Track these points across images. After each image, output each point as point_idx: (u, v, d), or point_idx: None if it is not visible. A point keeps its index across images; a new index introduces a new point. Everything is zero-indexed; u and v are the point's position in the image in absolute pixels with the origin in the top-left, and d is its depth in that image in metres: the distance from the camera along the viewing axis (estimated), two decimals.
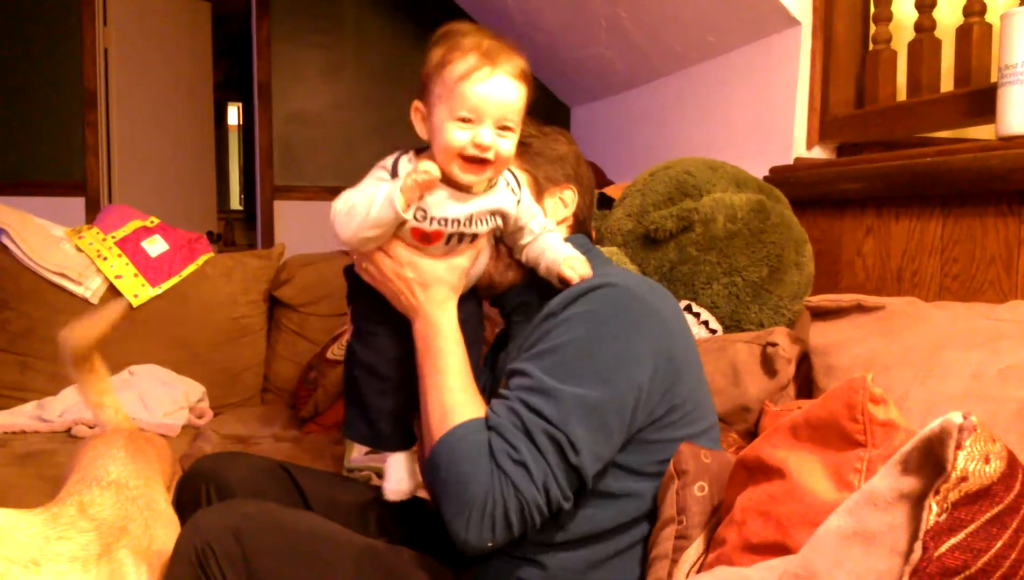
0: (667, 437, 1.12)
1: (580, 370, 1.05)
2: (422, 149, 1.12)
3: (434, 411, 1.10)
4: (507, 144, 1.07)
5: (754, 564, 0.88)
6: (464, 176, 1.07)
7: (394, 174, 1.09)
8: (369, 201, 1.05)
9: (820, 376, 1.46)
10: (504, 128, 1.06)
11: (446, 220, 1.09)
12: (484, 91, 1.03)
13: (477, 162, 1.06)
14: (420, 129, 1.11)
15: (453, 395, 1.10)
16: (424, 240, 1.11)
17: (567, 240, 1.25)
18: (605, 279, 1.11)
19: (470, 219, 1.10)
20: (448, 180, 1.07)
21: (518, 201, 1.14)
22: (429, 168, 1.05)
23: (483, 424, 1.07)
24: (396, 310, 1.16)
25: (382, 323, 1.18)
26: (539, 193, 1.24)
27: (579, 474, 1.04)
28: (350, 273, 1.22)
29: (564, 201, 1.26)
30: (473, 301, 1.22)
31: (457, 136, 1.05)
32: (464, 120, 1.04)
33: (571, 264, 1.14)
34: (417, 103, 1.11)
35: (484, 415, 1.09)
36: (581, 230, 1.31)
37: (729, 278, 1.76)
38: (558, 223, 1.26)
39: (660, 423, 1.11)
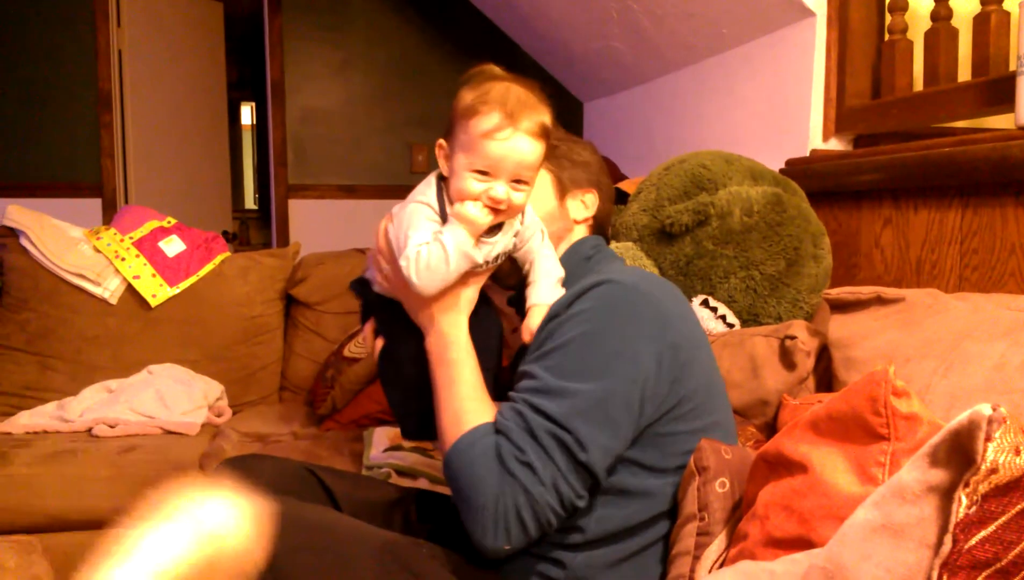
0: (679, 430, 1.12)
1: (583, 366, 1.06)
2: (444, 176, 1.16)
3: (447, 420, 1.12)
4: (520, 196, 1.11)
5: (778, 558, 0.87)
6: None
7: (442, 215, 1.13)
8: (443, 259, 1.09)
9: (840, 369, 1.45)
10: (519, 181, 1.10)
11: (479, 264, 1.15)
12: (503, 150, 1.07)
13: (488, 209, 1.10)
14: (442, 166, 1.15)
15: (464, 404, 1.11)
16: None
17: (583, 240, 1.31)
18: (607, 276, 1.13)
19: (496, 258, 1.16)
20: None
21: (517, 231, 1.18)
22: (480, 217, 1.09)
23: (492, 429, 1.08)
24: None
25: (406, 327, 1.20)
26: (562, 193, 1.30)
27: (589, 471, 1.04)
28: (360, 290, 1.26)
29: (585, 203, 1.32)
30: (486, 305, 1.23)
31: (473, 186, 1.09)
32: (481, 172, 1.08)
33: (530, 323, 1.17)
34: (442, 141, 1.15)
35: (494, 420, 1.10)
36: (599, 232, 1.36)
37: (746, 272, 1.75)
38: (579, 223, 1.32)
39: (670, 415, 1.11)
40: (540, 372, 1.08)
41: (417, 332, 1.19)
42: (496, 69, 1.13)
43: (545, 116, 1.11)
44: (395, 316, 1.21)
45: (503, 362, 1.29)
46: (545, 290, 1.19)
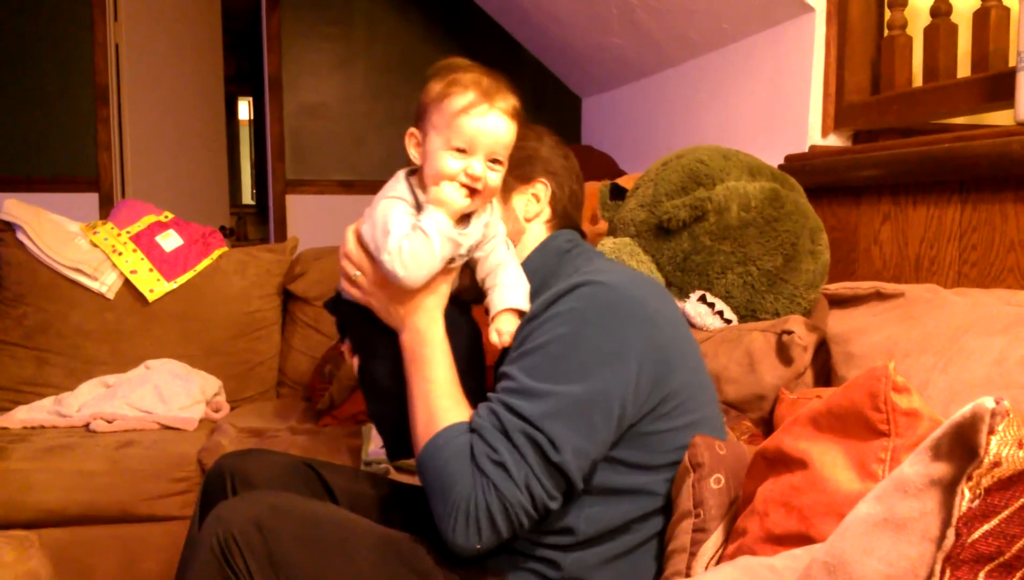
0: (663, 428, 1.12)
1: (562, 368, 1.05)
2: (412, 171, 1.17)
3: (420, 418, 1.12)
4: (495, 176, 1.12)
5: (777, 554, 0.87)
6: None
7: (416, 206, 1.13)
8: (428, 245, 1.09)
9: (839, 364, 1.45)
10: (494, 161, 1.11)
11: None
12: (480, 125, 1.09)
13: (466, 189, 1.11)
14: (413, 154, 1.16)
15: (438, 402, 1.11)
16: None
17: (555, 234, 1.26)
18: (588, 277, 1.11)
19: (469, 250, 1.15)
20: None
21: (487, 223, 1.17)
22: (458, 199, 1.10)
23: (466, 428, 1.08)
24: (388, 326, 1.18)
25: (381, 339, 1.19)
26: (506, 193, 1.25)
27: (562, 472, 1.04)
28: (334, 307, 1.25)
29: (536, 196, 1.26)
30: (456, 310, 1.21)
31: (451, 164, 1.10)
32: (459, 150, 1.10)
33: (499, 326, 1.15)
34: (413, 130, 1.16)
35: (469, 420, 1.10)
36: (566, 222, 1.30)
37: (744, 267, 1.75)
38: (531, 220, 1.26)
39: (654, 415, 1.11)
40: (517, 373, 1.07)
41: (391, 342, 1.17)
42: (463, 60, 1.15)
43: (516, 101, 1.13)
44: (369, 328, 1.19)
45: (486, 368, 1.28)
46: (513, 295, 1.16)
